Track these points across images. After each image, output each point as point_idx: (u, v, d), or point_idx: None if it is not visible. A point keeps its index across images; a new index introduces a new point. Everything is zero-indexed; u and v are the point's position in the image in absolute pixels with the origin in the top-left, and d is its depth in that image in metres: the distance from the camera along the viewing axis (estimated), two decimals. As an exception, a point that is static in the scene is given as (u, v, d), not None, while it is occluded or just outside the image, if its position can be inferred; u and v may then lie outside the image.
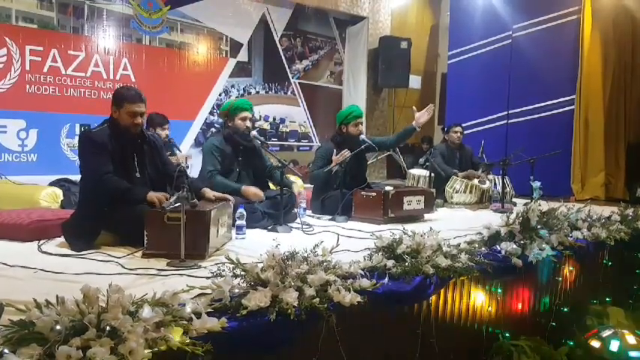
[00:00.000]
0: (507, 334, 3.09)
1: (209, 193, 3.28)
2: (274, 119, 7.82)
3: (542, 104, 7.52)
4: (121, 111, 3.11)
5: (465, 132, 6.43)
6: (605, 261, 4.09)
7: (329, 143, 4.76)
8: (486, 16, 8.05)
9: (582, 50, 7.25)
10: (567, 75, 7.34)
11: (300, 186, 5.42)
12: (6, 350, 1.39)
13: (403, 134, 5.03)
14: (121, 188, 2.99)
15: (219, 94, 7.06)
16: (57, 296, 1.58)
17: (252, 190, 3.88)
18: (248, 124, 4.10)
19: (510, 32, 7.79)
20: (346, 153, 4.40)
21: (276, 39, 7.74)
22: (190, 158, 5.96)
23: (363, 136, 4.75)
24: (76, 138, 5.66)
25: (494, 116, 7.87)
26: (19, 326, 1.48)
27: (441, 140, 6.39)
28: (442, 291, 2.70)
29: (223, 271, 2.09)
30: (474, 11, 8.20)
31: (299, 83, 8.08)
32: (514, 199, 5.79)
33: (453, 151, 6.11)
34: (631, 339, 3.30)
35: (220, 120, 6.84)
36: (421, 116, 4.69)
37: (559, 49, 7.43)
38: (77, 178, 3.59)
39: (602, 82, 7.31)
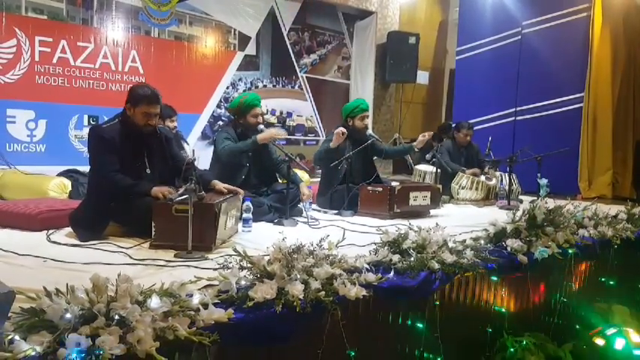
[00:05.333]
0: (511, 331, 3.10)
1: (219, 185, 3.30)
2: (281, 113, 7.82)
3: (551, 102, 7.48)
4: (135, 110, 3.09)
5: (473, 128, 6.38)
6: (610, 259, 4.08)
7: None
8: (495, 12, 8.00)
9: (592, 48, 7.19)
10: (576, 72, 7.29)
11: (306, 180, 5.44)
12: (17, 337, 1.41)
13: (402, 150, 5.21)
14: (126, 185, 3.00)
15: (227, 88, 7.06)
16: (67, 285, 1.60)
17: (269, 134, 3.97)
18: (260, 120, 4.11)
19: (519, 29, 7.74)
20: (343, 129, 4.43)
21: (284, 33, 7.73)
22: (197, 155, 5.96)
23: (369, 132, 4.76)
24: (85, 129, 5.68)
25: (502, 113, 7.83)
26: (29, 314, 1.51)
27: (451, 137, 6.35)
28: (447, 286, 2.71)
29: (230, 263, 2.11)
30: (483, 7, 8.16)
31: (306, 77, 8.07)
32: (520, 197, 5.77)
33: (459, 148, 6.09)
34: (636, 337, 3.30)
35: (227, 114, 6.86)
36: (422, 142, 4.79)
37: (568, 47, 7.37)
38: (85, 169, 3.62)
39: (612, 81, 7.25)
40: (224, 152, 3.93)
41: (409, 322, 2.55)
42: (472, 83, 8.10)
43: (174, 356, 1.59)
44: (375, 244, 2.73)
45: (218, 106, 7.00)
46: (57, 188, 4.29)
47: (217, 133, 4.48)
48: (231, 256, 2.21)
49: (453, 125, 6.61)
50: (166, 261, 2.53)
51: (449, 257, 2.63)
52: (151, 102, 3.10)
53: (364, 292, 2.13)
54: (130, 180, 3.02)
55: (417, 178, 6.05)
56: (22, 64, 5.33)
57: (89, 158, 3.17)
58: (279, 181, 4.33)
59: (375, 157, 5.03)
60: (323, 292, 2.00)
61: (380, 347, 2.42)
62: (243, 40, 7.19)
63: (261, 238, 3.05)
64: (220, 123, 6.91)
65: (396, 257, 2.50)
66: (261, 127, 4.16)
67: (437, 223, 2.95)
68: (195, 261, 2.52)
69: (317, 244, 2.29)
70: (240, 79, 7.24)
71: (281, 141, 7.41)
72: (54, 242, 2.93)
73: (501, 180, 5.72)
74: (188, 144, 5.66)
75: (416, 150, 4.97)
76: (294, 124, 8.00)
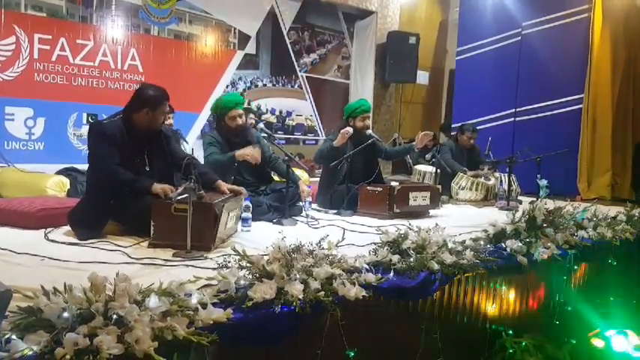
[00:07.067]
0: (510, 332, 3.09)
1: (223, 186, 3.28)
2: (281, 112, 7.80)
3: (550, 102, 7.48)
4: (156, 113, 3.11)
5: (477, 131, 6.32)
6: (610, 260, 4.08)
7: (337, 132, 4.74)
8: (496, 13, 8.00)
9: (592, 49, 7.19)
10: (576, 74, 7.29)
11: (305, 179, 5.43)
12: (14, 336, 1.40)
13: (402, 150, 5.34)
14: (127, 179, 2.99)
15: (227, 87, 7.04)
16: (65, 284, 1.59)
17: (247, 151, 3.81)
18: (239, 121, 4.00)
19: (520, 29, 7.73)
20: (350, 129, 4.42)
21: (284, 32, 7.71)
22: (197, 155, 5.95)
23: (369, 131, 4.75)
24: (83, 127, 5.67)
25: (502, 113, 7.83)
26: (26, 313, 1.50)
27: (454, 139, 6.33)
28: (446, 287, 2.70)
29: (229, 262, 2.10)
30: (483, 7, 8.15)
31: (306, 77, 8.05)
32: (519, 197, 5.76)
33: (461, 150, 6.06)
34: (634, 339, 3.29)
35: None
36: (421, 141, 4.79)
37: (568, 48, 7.37)
38: (84, 167, 3.61)
39: (611, 82, 7.26)
40: (208, 162, 3.88)
41: (408, 323, 2.54)
42: (472, 83, 8.09)
43: (173, 356, 1.58)
44: (374, 244, 2.72)
45: (217, 105, 6.98)
46: (55, 186, 4.27)
47: (204, 136, 4.43)
48: (230, 255, 2.20)
49: (455, 126, 6.59)
50: (165, 260, 2.51)
51: (448, 258, 2.62)
52: (166, 99, 3.16)
53: (364, 293, 2.13)
54: (130, 174, 3.01)
55: (417, 178, 6.05)
56: (20, 62, 5.31)
57: (88, 154, 3.15)
58: (275, 179, 4.30)
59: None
60: (322, 292, 2.00)
61: (379, 348, 2.41)
62: (243, 39, 7.17)
63: (261, 238, 3.04)
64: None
65: (395, 257, 2.50)
66: (261, 125, 4.15)
67: (436, 224, 2.94)
68: (194, 260, 2.51)
69: (316, 244, 2.29)
70: (239, 78, 7.23)
71: (280, 140, 7.40)
72: (52, 241, 2.92)
73: (501, 181, 5.71)
74: (187, 143, 5.65)
75: (416, 150, 5.00)
76: (294, 124, 7.99)
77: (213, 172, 3.43)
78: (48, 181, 4.28)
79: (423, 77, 9.24)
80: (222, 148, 4.00)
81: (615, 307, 3.79)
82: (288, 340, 1.95)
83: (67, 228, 3.13)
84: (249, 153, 3.80)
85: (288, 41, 7.77)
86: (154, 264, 2.44)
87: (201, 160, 4.19)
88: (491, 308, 3.05)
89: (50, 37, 5.48)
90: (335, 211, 4.37)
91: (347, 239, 2.60)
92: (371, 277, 2.25)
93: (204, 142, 4.12)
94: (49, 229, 3.15)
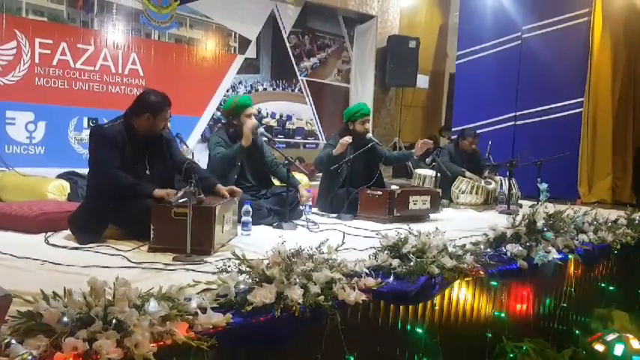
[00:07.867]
0: (511, 336, 3.08)
1: (223, 190, 3.29)
2: (281, 116, 7.81)
3: (551, 106, 7.48)
4: (157, 118, 3.12)
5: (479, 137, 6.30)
6: (610, 265, 4.07)
7: (337, 137, 4.75)
8: (496, 17, 8.00)
9: (592, 53, 7.20)
10: (576, 77, 7.29)
11: (305, 184, 5.43)
12: (13, 341, 1.40)
13: (402, 157, 5.45)
14: (128, 183, 3.00)
15: (227, 91, 7.05)
16: (64, 288, 1.59)
17: (246, 128, 3.96)
18: (253, 119, 4.12)
19: (520, 33, 7.74)
20: (349, 139, 4.43)
21: (285, 36, 7.73)
22: (197, 159, 5.95)
23: (370, 135, 4.75)
24: (84, 131, 5.67)
25: (502, 117, 7.83)
26: (26, 317, 1.50)
27: (454, 143, 6.32)
28: (447, 291, 2.70)
29: (229, 266, 2.10)
30: (483, 11, 8.16)
31: (306, 81, 8.06)
32: (520, 201, 5.76)
33: (461, 154, 6.05)
34: (635, 343, 3.28)
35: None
36: (421, 148, 4.76)
37: (568, 51, 7.37)
38: (84, 171, 3.61)
39: (612, 85, 7.26)
40: (216, 160, 3.94)
41: (409, 327, 2.53)
42: (472, 87, 8.09)
43: (172, 361, 1.58)
44: (374, 248, 2.72)
45: (218, 109, 6.99)
46: (56, 190, 4.27)
47: (210, 137, 4.49)
48: (230, 259, 2.20)
49: (455, 129, 6.59)
50: (165, 264, 2.51)
51: (449, 262, 2.62)
52: (169, 105, 3.18)
53: (363, 297, 2.13)
54: (131, 179, 3.02)
55: (417, 182, 6.05)
56: (22, 66, 5.32)
57: (89, 158, 3.16)
58: (276, 183, 4.31)
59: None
60: (322, 297, 1.99)
61: (379, 352, 2.41)
62: (244, 43, 7.19)
63: (261, 242, 3.04)
64: (220, 126, 6.89)
65: (395, 262, 2.49)
66: (261, 129, 4.16)
67: (436, 228, 2.93)
68: (193, 264, 2.51)
69: (316, 248, 2.28)
70: (240, 82, 7.24)
71: (280, 144, 7.40)
72: (52, 245, 2.92)
73: (501, 184, 5.71)
74: (187, 146, 5.64)
75: (415, 157, 5.01)
76: (294, 128, 7.99)
77: (213, 176, 3.45)
78: (48, 185, 4.28)
79: (423, 81, 9.25)
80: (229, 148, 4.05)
81: (616, 311, 3.78)
82: (288, 345, 1.95)
83: (68, 232, 3.13)
84: (248, 126, 3.95)
85: (288, 45, 7.78)
86: (154, 268, 2.45)
87: (205, 162, 4.21)
88: (491, 312, 3.05)
89: (51, 41, 5.49)
90: (335, 215, 4.37)
91: (347, 243, 2.58)
92: (371, 282, 2.25)
93: (211, 142, 4.18)
94: (49, 234, 3.15)
